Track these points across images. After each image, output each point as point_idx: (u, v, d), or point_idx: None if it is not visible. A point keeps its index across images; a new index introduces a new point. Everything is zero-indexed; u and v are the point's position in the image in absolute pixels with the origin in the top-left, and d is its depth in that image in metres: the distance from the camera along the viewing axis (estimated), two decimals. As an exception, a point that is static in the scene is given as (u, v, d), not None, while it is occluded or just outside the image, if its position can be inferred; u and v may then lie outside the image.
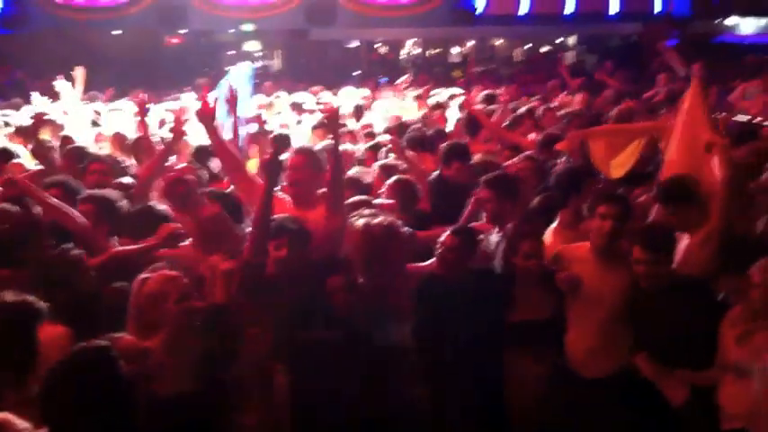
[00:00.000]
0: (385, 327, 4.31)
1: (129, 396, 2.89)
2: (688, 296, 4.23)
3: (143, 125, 7.09)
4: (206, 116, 5.09)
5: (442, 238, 4.58)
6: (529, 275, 4.49)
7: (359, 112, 9.99)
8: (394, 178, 5.69)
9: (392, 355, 4.32)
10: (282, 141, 7.21)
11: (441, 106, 9.95)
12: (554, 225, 5.09)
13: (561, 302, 4.50)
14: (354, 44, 19.70)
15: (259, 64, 19.94)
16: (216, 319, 3.80)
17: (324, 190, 4.80)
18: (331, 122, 5.10)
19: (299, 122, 9.40)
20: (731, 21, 17.05)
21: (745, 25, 16.67)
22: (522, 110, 9.37)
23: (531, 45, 21.60)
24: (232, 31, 18.07)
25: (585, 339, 4.46)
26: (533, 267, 4.47)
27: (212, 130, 5.14)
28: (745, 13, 16.49)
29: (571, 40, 21.16)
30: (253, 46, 19.72)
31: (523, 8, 18.35)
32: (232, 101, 6.72)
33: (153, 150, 6.55)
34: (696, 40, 16.97)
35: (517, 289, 4.52)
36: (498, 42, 21.76)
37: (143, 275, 3.77)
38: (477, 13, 18.23)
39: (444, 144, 6.67)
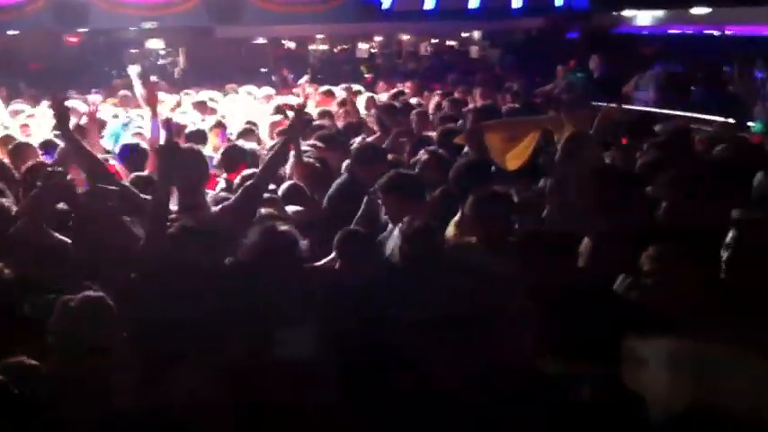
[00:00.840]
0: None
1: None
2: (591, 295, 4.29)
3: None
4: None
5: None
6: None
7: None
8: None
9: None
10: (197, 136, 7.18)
11: (344, 103, 9.93)
12: (456, 219, 5.12)
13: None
14: (261, 41, 19.49)
15: (162, 62, 19.61)
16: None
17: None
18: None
19: (203, 121, 9.26)
20: (628, 13, 17.57)
21: (642, 17, 17.20)
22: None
23: (437, 40, 21.77)
24: (134, 29, 17.64)
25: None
26: None
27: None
28: (641, 5, 17.02)
29: (477, 35, 21.44)
30: (156, 44, 19.31)
31: (429, 3, 18.52)
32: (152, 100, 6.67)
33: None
34: (596, 32, 17.45)
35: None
36: (405, 38, 21.88)
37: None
38: (383, 8, 18.33)
39: (360, 145, 6.67)
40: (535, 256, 4.30)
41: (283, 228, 4.29)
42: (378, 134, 8.01)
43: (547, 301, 4.28)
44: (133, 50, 19.05)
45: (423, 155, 6.09)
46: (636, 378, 4.05)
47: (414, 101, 10.85)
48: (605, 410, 4.10)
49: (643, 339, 3.95)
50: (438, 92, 11.72)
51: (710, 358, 3.73)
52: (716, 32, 14.97)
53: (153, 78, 15.43)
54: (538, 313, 4.31)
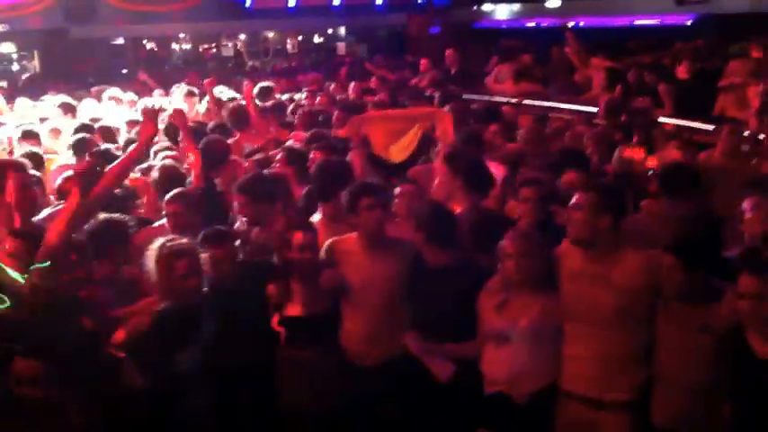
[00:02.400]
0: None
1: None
2: (458, 273, 4.41)
3: None
4: None
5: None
6: (303, 268, 4.50)
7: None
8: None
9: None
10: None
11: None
12: (318, 218, 5.12)
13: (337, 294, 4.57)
14: (120, 42, 18.86)
15: (16, 67, 18.69)
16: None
17: None
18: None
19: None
20: (487, 7, 18.04)
21: (500, 11, 17.69)
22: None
23: (302, 37, 21.68)
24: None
25: (361, 329, 4.56)
26: (307, 260, 4.49)
27: None
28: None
29: (342, 31, 21.50)
30: (7, 48, 18.37)
31: (292, 1, 18.46)
32: None
33: None
34: (457, 27, 17.82)
35: (293, 283, 4.53)
36: (271, 35, 21.67)
37: None
38: (246, 6, 18.12)
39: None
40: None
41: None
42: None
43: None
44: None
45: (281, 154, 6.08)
46: (492, 357, 4.21)
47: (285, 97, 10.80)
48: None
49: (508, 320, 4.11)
50: (307, 88, 11.68)
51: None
52: (570, 24, 15.54)
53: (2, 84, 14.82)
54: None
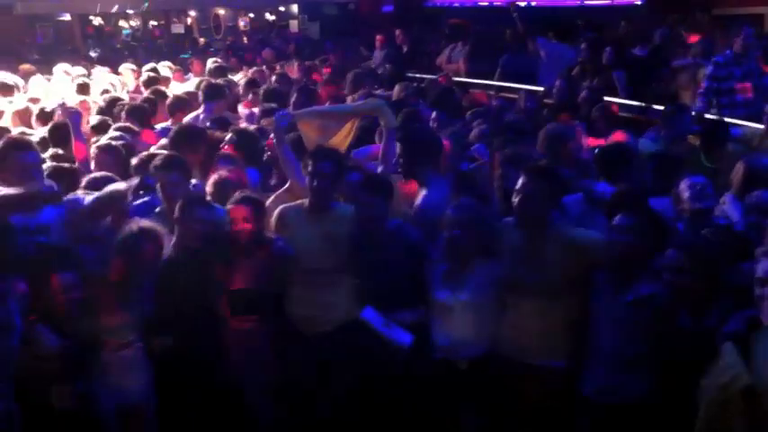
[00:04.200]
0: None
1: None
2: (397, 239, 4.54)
3: None
4: None
5: None
6: (243, 242, 4.57)
7: (84, 88, 9.39)
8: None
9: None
10: None
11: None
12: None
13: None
14: (66, 18, 18.47)
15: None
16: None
17: None
18: None
19: (10, 103, 8.67)
20: (440, -14, 18.03)
21: (453, -10, 17.70)
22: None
23: (253, 15, 21.46)
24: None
25: (312, 296, 4.63)
26: (246, 233, 4.55)
27: None
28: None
29: (294, 9, 21.32)
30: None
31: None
32: None
33: None
34: (408, 5, 17.76)
35: (235, 257, 4.58)
36: (221, 12, 21.40)
37: None
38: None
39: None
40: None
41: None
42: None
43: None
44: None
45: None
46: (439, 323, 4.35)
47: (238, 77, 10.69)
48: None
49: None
50: (257, 68, 11.59)
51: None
52: (522, 3, 15.60)
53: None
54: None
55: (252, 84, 9.42)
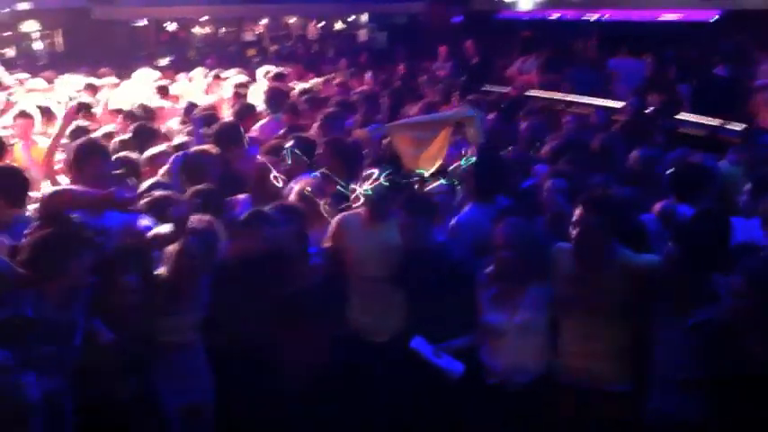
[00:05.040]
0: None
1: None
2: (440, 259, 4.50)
3: None
4: None
5: None
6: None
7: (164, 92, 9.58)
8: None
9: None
10: None
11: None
12: None
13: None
14: (142, 23, 18.92)
15: (39, 46, 18.78)
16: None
17: None
18: None
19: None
20: (510, -3, 17.95)
21: (523, 2, 17.57)
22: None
23: (324, 23, 21.67)
24: (7, 10, 16.83)
25: (370, 304, 4.65)
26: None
27: None
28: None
29: (363, 18, 21.47)
30: (30, 26, 18.47)
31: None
32: None
33: None
34: (479, 17, 17.71)
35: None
36: (292, 20, 21.69)
37: None
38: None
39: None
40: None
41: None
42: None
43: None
44: (6, 33, 18.21)
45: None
46: (491, 348, 4.25)
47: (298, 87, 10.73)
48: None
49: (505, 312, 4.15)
50: (327, 76, 11.62)
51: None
52: (593, 17, 15.45)
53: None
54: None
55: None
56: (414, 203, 4.61)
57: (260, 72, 10.92)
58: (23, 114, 7.01)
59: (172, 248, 4.20)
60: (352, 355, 4.64)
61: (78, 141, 5.11)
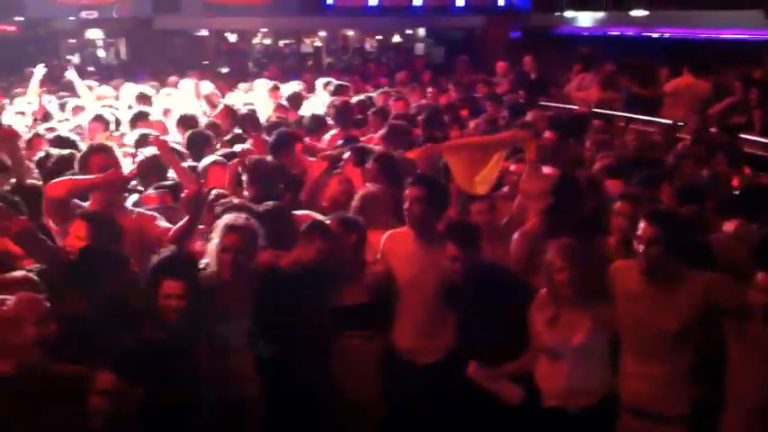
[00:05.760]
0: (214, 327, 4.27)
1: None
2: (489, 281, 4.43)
3: None
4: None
5: None
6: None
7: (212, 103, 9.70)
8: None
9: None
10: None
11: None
12: None
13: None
14: (202, 34, 19.23)
15: (102, 54, 19.21)
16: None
17: None
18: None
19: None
20: (569, 14, 17.81)
21: (583, 18, 17.45)
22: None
23: (381, 37, 21.77)
24: (73, 18, 17.26)
25: (415, 324, 4.60)
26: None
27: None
28: (581, 6, 17.30)
29: (421, 32, 21.51)
30: (95, 34, 18.91)
31: (373, 0, 18.54)
32: None
33: None
34: (537, 32, 17.63)
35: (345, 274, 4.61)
36: (350, 33, 21.83)
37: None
38: (327, 3, 18.25)
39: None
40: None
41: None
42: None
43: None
44: (72, 40, 18.67)
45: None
46: (547, 371, 4.19)
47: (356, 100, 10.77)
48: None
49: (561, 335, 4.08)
50: (385, 89, 11.64)
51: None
52: (654, 35, 15.26)
53: (90, 69, 15.22)
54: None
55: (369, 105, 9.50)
56: (462, 234, 4.53)
57: (319, 83, 10.99)
58: (97, 118, 7.35)
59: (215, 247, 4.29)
60: (398, 375, 4.62)
61: None
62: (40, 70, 9.02)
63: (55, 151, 6.13)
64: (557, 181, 5.00)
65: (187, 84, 10.47)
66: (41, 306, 3.61)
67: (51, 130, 7.61)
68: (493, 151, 5.42)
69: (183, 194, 5.23)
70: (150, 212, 4.98)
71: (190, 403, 3.85)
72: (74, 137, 6.80)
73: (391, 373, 4.62)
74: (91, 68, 15.52)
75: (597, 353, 4.09)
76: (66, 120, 8.50)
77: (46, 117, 8.55)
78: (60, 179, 4.85)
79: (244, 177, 5.64)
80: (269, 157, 5.92)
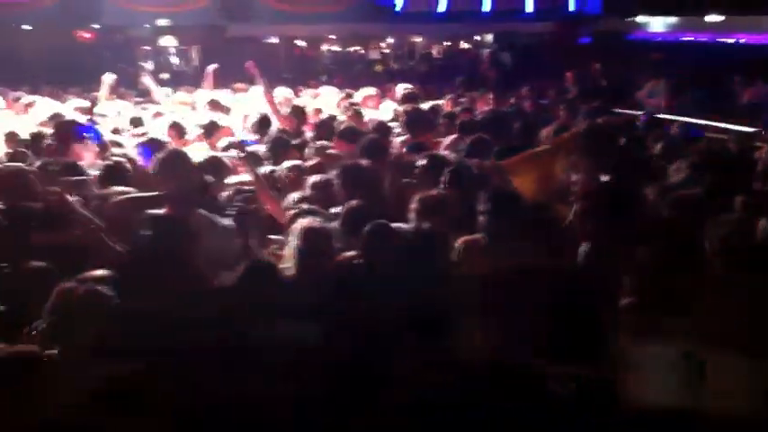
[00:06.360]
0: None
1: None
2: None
3: None
4: None
5: None
6: None
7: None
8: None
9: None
10: None
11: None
12: None
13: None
14: (273, 41, 19.53)
15: (175, 60, 19.67)
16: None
17: None
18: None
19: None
20: (641, 19, 17.55)
21: (655, 23, 17.18)
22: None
23: (449, 43, 21.79)
24: (147, 26, 17.74)
25: (494, 327, 4.57)
26: None
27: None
28: (654, 11, 17.02)
29: (488, 38, 21.44)
30: (168, 41, 19.39)
31: (442, 5, 18.53)
32: None
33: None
34: (607, 37, 17.42)
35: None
36: (417, 40, 21.89)
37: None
38: (396, 9, 18.35)
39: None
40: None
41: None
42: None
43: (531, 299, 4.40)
44: (146, 47, 19.14)
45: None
46: (629, 382, 4.11)
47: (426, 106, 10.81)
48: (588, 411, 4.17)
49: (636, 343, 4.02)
50: (449, 96, 11.66)
51: (708, 361, 3.83)
52: (729, 40, 14.96)
53: (165, 76, 15.61)
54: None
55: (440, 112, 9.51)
56: (535, 230, 4.56)
57: (399, 89, 11.07)
58: (174, 126, 7.61)
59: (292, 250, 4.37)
60: (474, 379, 4.63)
61: None
62: (108, 77, 9.31)
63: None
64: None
65: (260, 90, 10.66)
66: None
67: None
68: (553, 158, 5.44)
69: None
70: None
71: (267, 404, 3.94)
72: (167, 139, 6.95)
73: (470, 375, 4.62)
74: (165, 75, 15.93)
75: (684, 365, 3.92)
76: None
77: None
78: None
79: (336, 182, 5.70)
80: (364, 162, 5.96)
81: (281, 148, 6.81)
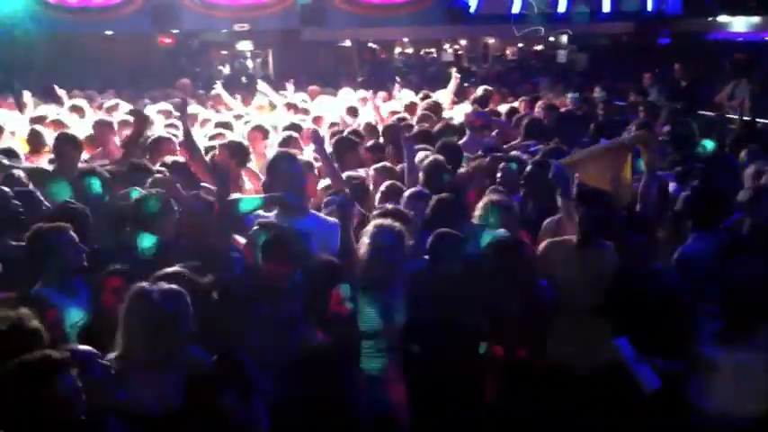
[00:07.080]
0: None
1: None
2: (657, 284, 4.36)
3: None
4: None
5: None
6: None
7: (353, 112, 9.93)
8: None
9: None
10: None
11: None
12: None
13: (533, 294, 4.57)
14: (346, 44, 19.69)
15: (251, 64, 20.00)
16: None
17: None
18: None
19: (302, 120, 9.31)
20: (723, 19, 17.09)
21: (737, 23, 16.71)
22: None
23: (522, 45, 21.63)
24: (224, 31, 18.07)
25: (573, 335, 4.54)
26: None
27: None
28: (736, 11, 16.56)
29: (563, 39, 21.20)
30: (245, 46, 19.73)
31: (516, 7, 18.35)
32: None
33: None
34: (688, 38, 17.02)
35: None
36: (491, 41, 21.80)
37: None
38: (470, 11, 18.24)
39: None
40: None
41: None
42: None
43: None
44: (223, 52, 19.51)
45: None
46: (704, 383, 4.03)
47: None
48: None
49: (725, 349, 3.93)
50: (524, 98, 11.55)
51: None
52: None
53: (242, 79, 15.89)
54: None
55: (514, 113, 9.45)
56: (635, 225, 4.52)
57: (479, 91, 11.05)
58: (258, 128, 7.69)
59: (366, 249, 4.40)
60: (549, 387, 4.57)
61: None
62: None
63: None
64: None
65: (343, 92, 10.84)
66: None
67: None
68: (619, 155, 5.41)
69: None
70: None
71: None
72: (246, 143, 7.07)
73: (544, 383, 4.58)
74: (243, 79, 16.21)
75: (760, 373, 3.90)
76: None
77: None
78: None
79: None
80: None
81: (345, 149, 6.88)
